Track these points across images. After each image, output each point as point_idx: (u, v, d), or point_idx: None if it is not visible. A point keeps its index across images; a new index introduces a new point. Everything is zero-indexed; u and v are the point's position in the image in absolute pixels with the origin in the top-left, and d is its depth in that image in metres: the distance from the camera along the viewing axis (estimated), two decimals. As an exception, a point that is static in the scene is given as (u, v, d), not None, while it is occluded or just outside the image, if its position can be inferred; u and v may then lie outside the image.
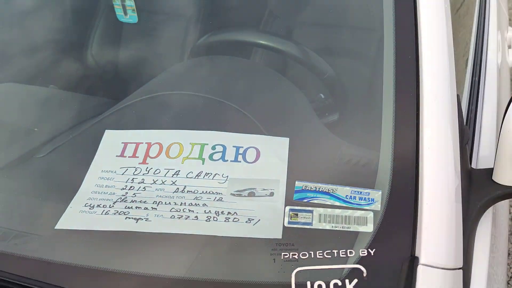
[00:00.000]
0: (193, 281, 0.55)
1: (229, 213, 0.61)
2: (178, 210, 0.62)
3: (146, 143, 0.70)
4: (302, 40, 0.87)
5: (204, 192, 0.64)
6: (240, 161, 0.68)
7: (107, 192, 0.64)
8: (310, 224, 0.58)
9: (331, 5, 0.91)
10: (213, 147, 0.69)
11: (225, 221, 0.59)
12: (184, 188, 0.64)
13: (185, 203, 0.63)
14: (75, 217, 0.62)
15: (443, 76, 0.66)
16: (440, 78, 0.66)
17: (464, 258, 0.60)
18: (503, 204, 0.90)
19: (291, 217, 0.59)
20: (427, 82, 0.65)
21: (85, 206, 0.63)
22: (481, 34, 1.13)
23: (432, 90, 0.65)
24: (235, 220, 0.60)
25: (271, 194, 0.62)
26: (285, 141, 0.68)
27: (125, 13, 0.89)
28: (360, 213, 0.59)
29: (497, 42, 1.20)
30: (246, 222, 0.59)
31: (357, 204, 0.59)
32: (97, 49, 0.98)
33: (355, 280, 0.53)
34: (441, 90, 0.65)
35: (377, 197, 0.59)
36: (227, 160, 0.68)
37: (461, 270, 0.59)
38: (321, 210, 0.59)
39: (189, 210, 0.62)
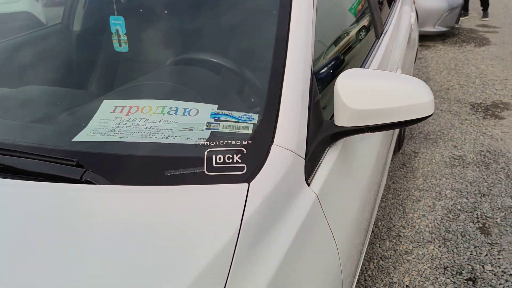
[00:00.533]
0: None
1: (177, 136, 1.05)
2: (146, 135, 1.06)
3: (128, 106, 1.17)
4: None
5: (162, 128, 1.09)
6: (185, 115, 1.13)
7: (103, 127, 1.10)
8: (217, 129, 1.03)
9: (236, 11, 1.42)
10: (170, 108, 1.15)
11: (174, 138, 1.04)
12: (150, 126, 1.09)
13: (150, 133, 1.07)
14: (83, 137, 1.06)
15: (301, 58, 1.14)
16: (299, 59, 1.14)
17: (308, 158, 1.03)
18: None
19: (207, 126, 1.04)
20: (291, 60, 1.13)
21: (90, 133, 1.08)
22: None
23: (293, 64, 1.12)
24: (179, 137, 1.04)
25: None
26: (214, 106, 1.14)
27: (120, 45, 1.40)
28: (245, 124, 1.03)
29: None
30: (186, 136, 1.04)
31: (244, 120, 1.04)
32: (102, 66, 1.50)
33: (239, 155, 0.96)
34: (299, 64, 1.13)
35: (255, 117, 1.05)
36: (178, 114, 1.13)
37: (303, 159, 1.02)
38: (224, 122, 1.04)
39: (153, 135, 1.06)
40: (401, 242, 2.36)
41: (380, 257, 2.25)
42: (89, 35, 1.84)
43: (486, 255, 2.24)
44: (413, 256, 2.26)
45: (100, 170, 0.96)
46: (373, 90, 1.09)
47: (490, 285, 2.05)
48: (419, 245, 2.33)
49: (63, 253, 0.79)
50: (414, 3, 3.60)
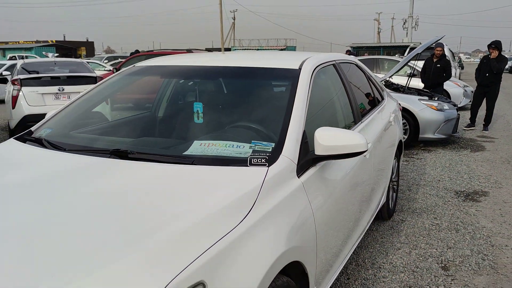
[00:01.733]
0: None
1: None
2: (219, 153, 2.14)
3: (207, 143, 2.26)
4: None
5: (226, 151, 2.16)
6: (237, 148, 2.22)
7: (196, 149, 2.18)
8: (255, 149, 2.09)
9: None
10: (229, 144, 2.24)
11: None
12: (219, 149, 2.17)
13: (220, 152, 2.15)
14: (190, 151, 2.16)
15: (299, 117, 2.22)
16: (298, 118, 2.22)
17: (299, 165, 2.07)
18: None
19: (251, 147, 2.11)
20: (293, 121, 2.22)
21: (190, 152, 2.16)
22: None
23: (295, 122, 2.21)
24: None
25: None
26: (250, 145, 2.22)
27: (198, 118, 2.55)
28: (268, 147, 2.10)
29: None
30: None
31: (267, 145, 2.11)
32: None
33: (264, 158, 2.01)
34: (297, 123, 2.21)
35: (272, 144, 2.11)
36: (234, 147, 2.22)
37: (295, 164, 2.06)
38: (258, 146, 2.10)
39: (222, 152, 2.14)
40: (380, 271, 3.21)
41: (363, 278, 3.10)
42: (169, 117, 3.01)
43: (442, 281, 3.07)
44: (388, 279, 3.10)
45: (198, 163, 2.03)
46: (334, 137, 2.15)
47: (440, 297, 2.86)
48: (393, 274, 3.17)
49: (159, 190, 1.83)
50: (400, 109, 4.73)
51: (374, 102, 3.75)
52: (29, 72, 8.28)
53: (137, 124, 3.04)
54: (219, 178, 1.89)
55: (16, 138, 2.55)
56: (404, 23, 45.69)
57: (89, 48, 57.88)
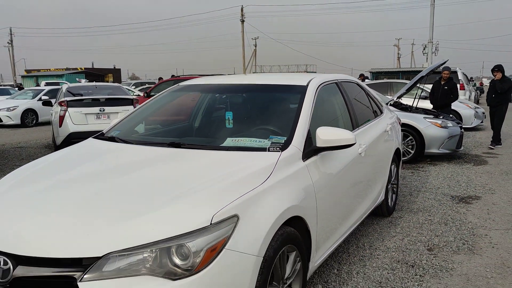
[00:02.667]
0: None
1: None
2: (245, 144, 2.93)
3: (237, 139, 3.06)
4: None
5: (251, 143, 2.95)
6: (259, 142, 3.01)
7: (229, 143, 2.98)
8: (272, 141, 2.88)
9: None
10: (254, 139, 3.03)
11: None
12: (245, 143, 2.96)
13: (247, 144, 2.94)
14: (225, 143, 2.96)
15: (305, 120, 3.01)
16: (304, 120, 3.01)
17: (303, 153, 2.85)
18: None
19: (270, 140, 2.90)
20: (301, 121, 3.00)
21: (225, 143, 2.97)
22: None
23: (301, 124, 2.99)
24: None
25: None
26: (269, 139, 3.01)
27: (229, 124, 3.36)
28: (281, 140, 2.88)
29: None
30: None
31: (280, 138, 2.90)
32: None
33: (279, 147, 2.79)
34: (303, 123, 2.99)
35: (284, 138, 2.90)
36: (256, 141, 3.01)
37: (301, 152, 2.84)
38: (274, 139, 2.89)
39: (248, 144, 2.93)
40: (376, 251, 3.91)
41: (361, 256, 3.81)
42: (204, 124, 3.82)
43: (425, 257, 3.75)
44: (381, 256, 3.79)
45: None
46: (331, 133, 2.92)
47: (423, 268, 3.54)
48: (386, 253, 3.87)
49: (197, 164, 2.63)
50: (399, 123, 5.46)
51: (372, 115, 4.51)
52: (74, 95, 9.33)
53: (182, 128, 3.87)
54: (247, 158, 2.68)
55: (94, 137, 3.41)
56: (424, 49, 46.27)
57: (115, 74, 60.10)
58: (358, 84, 4.55)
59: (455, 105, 12.65)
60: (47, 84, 25.71)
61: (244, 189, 2.29)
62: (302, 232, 2.69)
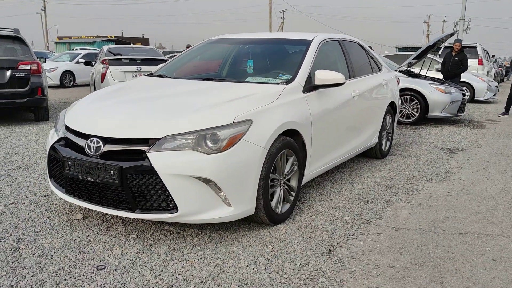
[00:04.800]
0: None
1: None
2: (253, 78, 3.89)
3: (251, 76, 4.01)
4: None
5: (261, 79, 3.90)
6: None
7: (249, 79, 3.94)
8: (280, 76, 3.84)
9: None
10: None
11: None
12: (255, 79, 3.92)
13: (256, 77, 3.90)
14: (248, 79, 3.93)
15: (307, 64, 3.94)
16: (306, 64, 3.94)
17: (304, 88, 3.80)
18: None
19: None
20: (303, 65, 3.93)
21: (246, 80, 3.93)
22: None
23: (304, 66, 3.92)
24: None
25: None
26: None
27: (250, 69, 4.31)
28: (287, 77, 3.84)
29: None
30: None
31: (286, 76, 3.85)
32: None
33: (284, 82, 3.74)
34: (306, 67, 3.92)
35: (290, 76, 3.85)
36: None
37: (302, 86, 3.78)
38: (281, 76, 3.85)
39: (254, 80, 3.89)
40: (364, 178, 4.86)
41: (352, 180, 4.76)
42: (231, 67, 4.78)
43: (403, 183, 4.68)
44: (367, 180, 4.74)
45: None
46: (326, 74, 3.85)
47: (398, 189, 4.48)
48: (372, 179, 4.81)
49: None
50: (398, 82, 6.31)
51: (369, 70, 5.39)
52: (114, 55, 10.39)
53: (213, 69, 4.84)
54: (261, 88, 3.65)
55: (146, 76, 4.43)
56: (455, 26, 45.65)
57: (144, 43, 61.40)
58: (359, 44, 5.42)
59: (468, 78, 13.30)
60: (81, 49, 27.00)
61: (257, 104, 3.27)
62: (299, 144, 3.65)
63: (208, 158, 2.89)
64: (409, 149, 6.46)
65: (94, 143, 3.04)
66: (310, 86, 3.88)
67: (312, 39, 4.34)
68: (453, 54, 10.60)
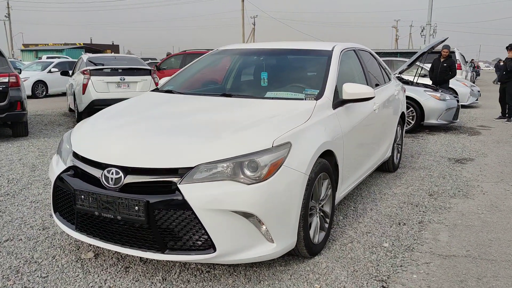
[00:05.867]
0: None
1: None
2: (281, 95, 3.56)
3: (275, 92, 3.68)
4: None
5: (285, 95, 3.57)
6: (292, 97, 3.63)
7: (270, 95, 3.60)
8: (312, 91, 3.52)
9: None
10: (288, 93, 3.65)
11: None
12: (279, 94, 3.58)
13: (283, 96, 3.57)
14: (267, 94, 3.58)
15: (333, 77, 3.63)
16: (332, 77, 3.63)
17: (333, 104, 3.49)
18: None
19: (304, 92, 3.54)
20: (329, 79, 3.62)
21: (266, 96, 3.58)
22: None
23: (330, 80, 3.61)
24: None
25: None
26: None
27: (264, 83, 3.96)
28: (314, 92, 3.51)
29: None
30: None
31: (313, 91, 3.52)
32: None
33: (312, 98, 3.42)
34: (332, 80, 3.61)
35: (317, 91, 3.53)
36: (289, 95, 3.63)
37: (331, 101, 3.47)
38: (308, 92, 3.52)
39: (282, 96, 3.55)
40: (385, 196, 4.58)
41: (373, 198, 4.47)
42: (244, 81, 4.43)
43: (427, 199, 4.42)
44: (389, 198, 4.46)
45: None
46: (354, 88, 3.55)
47: (425, 207, 4.21)
48: (394, 196, 4.53)
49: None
50: (404, 91, 6.10)
51: (382, 80, 5.14)
52: (95, 65, 9.86)
53: (225, 83, 4.46)
54: (289, 105, 3.31)
55: (152, 91, 4.03)
56: (422, 31, 46.59)
57: (114, 50, 60.14)
58: (370, 53, 5.16)
59: (452, 83, 13.31)
60: (49, 58, 26.01)
61: (292, 124, 2.93)
62: (332, 165, 3.33)
63: (248, 189, 2.53)
64: (416, 160, 6.24)
65: (112, 174, 2.63)
66: (338, 101, 3.57)
67: (333, 49, 4.04)
68: (441, 60, 10.54)
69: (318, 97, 3.44)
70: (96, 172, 2.72)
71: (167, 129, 2.92)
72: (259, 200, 2.53)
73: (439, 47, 10.40)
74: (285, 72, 4.18)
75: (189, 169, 2.54)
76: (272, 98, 3.50)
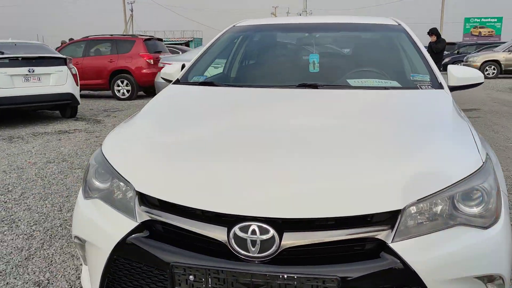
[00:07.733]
0: None
1: None
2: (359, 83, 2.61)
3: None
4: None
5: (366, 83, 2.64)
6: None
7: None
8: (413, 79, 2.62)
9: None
10: (357, 80, 2.72)
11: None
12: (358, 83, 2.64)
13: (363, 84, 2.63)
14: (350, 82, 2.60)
15: (430, 58, 2.78)
16: (430, 59, 2.78)
17: None
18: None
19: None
20: (429, 60, 2.76)
21: (348, 82, 2.60)
22: None
23: (431, 61, 2.76)
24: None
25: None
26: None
27: (314, 68, 2.96)
28: (425, 78, 2.63)
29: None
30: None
31: (423, 76, 2.64)
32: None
33: (429, 86, 2.54)
34: (432, 62, 2.77)
35: (427, 76, 2.65)
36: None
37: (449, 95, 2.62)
38: (415, 77, 2.63)
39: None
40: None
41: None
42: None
43: None
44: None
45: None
46: (465, 72, 2.72)
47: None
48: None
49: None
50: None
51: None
52: (-10, 53, 7.75)
53: (278, 71, 3.23)
54: (418, 95, 2.40)
55: (180, 85, 2.78)
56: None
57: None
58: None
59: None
60: None
61: (458, 127, 2.03)
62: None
63: (487, 236, 1.57)
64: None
65: (256, 233, 1.48)
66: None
67: (399, 23, 3.19)
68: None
69: (433, 84, 2.55)
70: (213, 231, 1.53)
71: (320, 149, 1.79)
72: (504, 253, 1.59)
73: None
74: (362, 53, 3.18)
75: (396, 213, 1.51)
76: (380, 88, 2.54)
